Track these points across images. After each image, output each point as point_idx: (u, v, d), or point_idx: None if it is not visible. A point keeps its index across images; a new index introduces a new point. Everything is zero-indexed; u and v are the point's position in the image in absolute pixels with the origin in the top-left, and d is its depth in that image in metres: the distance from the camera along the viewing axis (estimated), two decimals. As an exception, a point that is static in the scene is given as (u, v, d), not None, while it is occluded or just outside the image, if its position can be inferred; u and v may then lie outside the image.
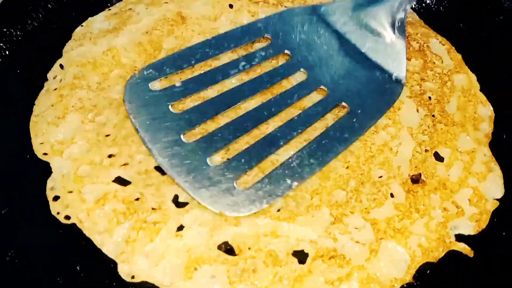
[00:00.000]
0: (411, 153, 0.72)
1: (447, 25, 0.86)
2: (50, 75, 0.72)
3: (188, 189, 0.63)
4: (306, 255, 0.62)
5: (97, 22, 0.78)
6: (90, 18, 0.78)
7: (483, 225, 0.68)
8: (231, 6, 0.84)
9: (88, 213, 0.62)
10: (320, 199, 0.66)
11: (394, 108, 0.75)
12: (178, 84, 0.70)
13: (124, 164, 0.66)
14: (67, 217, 0.62)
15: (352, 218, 0.66)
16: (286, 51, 0.76)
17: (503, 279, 0.64)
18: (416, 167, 0.71)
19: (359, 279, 0.61)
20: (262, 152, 0.67)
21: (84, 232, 0.61)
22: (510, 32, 0.83)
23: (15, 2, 0.71)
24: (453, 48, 0.83)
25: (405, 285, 0.62)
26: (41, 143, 0.67)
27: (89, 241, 0.61)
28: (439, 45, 0.83)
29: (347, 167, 0.70)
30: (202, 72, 0.73)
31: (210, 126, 0.69)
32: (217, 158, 0.66)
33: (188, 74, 0.73)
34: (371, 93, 0.73)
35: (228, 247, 0.62)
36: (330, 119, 0.72)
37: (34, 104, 0.70)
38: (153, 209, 0.63)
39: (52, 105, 0.69)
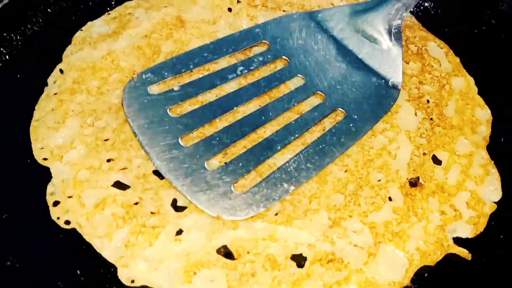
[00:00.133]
0: (409, 157, 0.73)
1: (446, 28, 0.86)
2: (50, 80, 0.72)
3: (186, 192, 0.64)
4: (305, 258, 0.63)
5: (97, 26, 0.79)
6: (89, 23, 0.79)
7: (481, 228, 0.69)
8: (230, 9, 0.85)
9: (88, 218, 0.63)
10: (318, 203, 0.67)
11: (391, 112, 0.76)
12: (176, 88, 0.71)
13: (123, 169, 0.67)
14: (67, 222, 0.63)
15: (350, 221, 0.66)
16: (284, 57, 0.77)
17: (501, 282, 0.65)
18: (414, 170, 0.72)
19: (357, 282, 0.62)
20: (259, 156, 0.68)
21: (84, 236, 0.62)
22: (508, 35, 0.84)
23: (15, 7, 0.71)
24: (451, 51, 0.84)
25: (403, 289, 0.63)
26: (41, 148, 0.68)
27: (89, 246, 0.62)
28: (437, 48, 0.84)
29: (346, 171, 0.71)
30: (200, 76, 0.74)
31: (208, 130, 0.70)
32: (215, 162, 0.67)
33: (186, 78, 0.74)
34: (367, 99, 0.75)
35: (227, 251, 0.63)
36: (327, 123, 0.73)
37: (34, 109, 0.70)
38: (152, 213, 0.64)
39: (52, 110, 0.70)
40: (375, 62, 0.76)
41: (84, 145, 0.68)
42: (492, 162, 0.74)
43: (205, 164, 0.66)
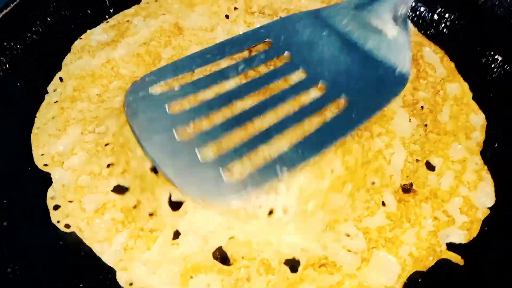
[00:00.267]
0: (403, 163, 0.75)
1: (441, 33, 0.88)
2: (50, 88, 0.75)
3: (179, 184, 0.64)
4: (298, 263, 0.66)
5: (95, 34, 0.81)
6: (88, 31, 0.81)
7: (474, 233, 0.71)
8: (227, 16, 0.87)
9: (88, 222, 0.66)
10: (315, 204, 0.69)
11: (387, 117, 0.78)
12: (177, 88, 0.71)
13: (122, 172, 0.69)
14: (67, 226, 0.66)
15: (344, 225, 0.69)
16: (286, 53, 0.77)
17: (494, 287, 0.67)
18: (407, 176, 0.74)
19: (350, 287, 0.64)
20: (254, 144, 0.67)
21: (84, 241, 0.65)
22: (504, 40, 0.86)
23: (15, 16, 0.74)
24: (447, 56, 0.86)
25: (395, 294, 0.65)
26: (41, 155, 0.70)
27: (88, 249, 0.65)
28: (432, 54, 0.86)
29: (346, 168, 0.72)
30: (201, 76, 0.74)
31: (205, 124, 0.69)
32: (209, 153, 0.67)
33: (188, 79, 0.74)
34: (372, 87, 0.74)
35: (223, 256, 0.65)
36: (328, 112, 0.72)
37: (35, 117, 0.73)
38: (150, 215, 0.67)
39: (53, 118, 0.73)
40: (382, 52, 0.75)
41: (85, 151, 0.71)
42: (486, 167, 0.76)
43: (198, 155, 0.65)
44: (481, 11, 0.88)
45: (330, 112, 0.71)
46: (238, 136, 0.67)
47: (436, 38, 0.88)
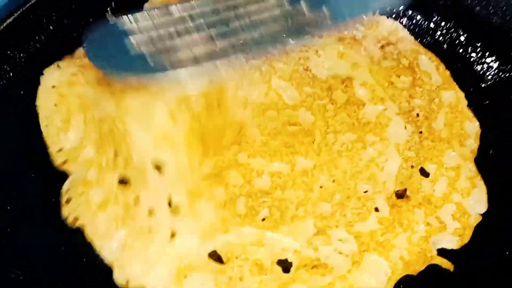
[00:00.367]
0: (397, 169, 0.77)
1: (437, 41, 0.91)
2: (46, 71, 0.78)
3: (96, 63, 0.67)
4: (290, 264, 0.69)
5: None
6: (90, 39, 0.84)
7: (466, 239, 0.73)
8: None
9: (92, 217, 0.69)
10: (305, 210, 0.72)
11: (382, 125, 0.81)
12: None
13: (125, 165, 0.72)
14: (74, 220, 0.69)
15: (336, 231, 0.71)
16: None
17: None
18: (401, 182, 0.76)
19: (341, 289, 0.67)
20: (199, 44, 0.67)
21: (86, 236, 0.69)
22: (499, 48, 0.88)
23: (18, 26, 0.77)
24: (442, 64, 0.88)
25: (385, 296, 0.67)
26: (59, 151, 0.73)
27: (83, 266, 0.68)
28: (428, 62, 0.88)
29: (333, 181, 0.75)
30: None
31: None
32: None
33: None
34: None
35: (217, 256, 0.69)
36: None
37: (36, 106, 0.76)
38: (149, 213, 0.70)
39: (56, 105, 0.75)
40: None
41: (92, 144, 0.73)
42: (479, 174, 0.78)
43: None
44: (477, 19, 0.90)
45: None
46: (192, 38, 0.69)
47: (432, 46, 0.90)
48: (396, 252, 0.70)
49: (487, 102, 0.85)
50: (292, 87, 0.84)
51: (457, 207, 0.75)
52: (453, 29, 0.91)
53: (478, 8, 0.91)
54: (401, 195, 0.75)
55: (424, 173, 0.78)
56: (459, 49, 0.90)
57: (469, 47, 0.90)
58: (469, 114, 0.84)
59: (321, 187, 0.75)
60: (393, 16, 0.93)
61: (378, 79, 0.85)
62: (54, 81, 0.77)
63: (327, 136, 0.79)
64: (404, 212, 0.74)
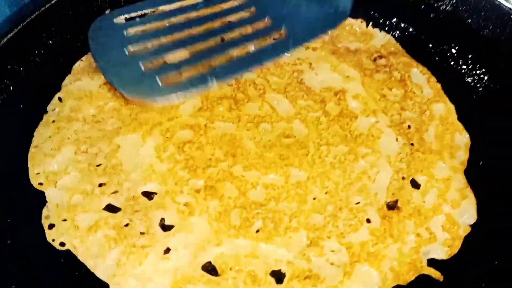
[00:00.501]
0: (389, 181, 0.80)
1: (429, 54, 0.93)
2: (49, 107, 0.81)
3: (122, 89, 0.74)
4: (283, 275, 0.71)
5: (95, 56, 0.87)
6: (89, 53, 0.87)
7: (455, 250, 0.76)
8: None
9: (82, 240, 0.71)
10: (298, 222, 0.75)
11: (374, 137, 0.84)
12: (137, 19, 0.82)
13: (113, 192, 0.75)
14: (62, 244, 0.71)
15: (328, 242, 0.74)
16: None
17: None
18: (393, 194, 0.79)
19: (333, 299, 0.70)
20: (194, 60, 0.78)
21: (78, 257, 0.70)
22: (490, 60, 0.90)
23: (19, 41, 0.80)
24: (433, 77, 0.91)
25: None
26: (37, 173, 0.76)
27: (83, 266, 0.70)
28: (419, 75, 0.91)
29: (326, 193, 0.78)
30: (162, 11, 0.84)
31: (154, 44, 0.80)
32: (150, 65, 0.77)
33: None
34: (312, 21, 0.83)
35: (211, 268, 0.71)
36: (267, 41, 0.82)
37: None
38: (141, 233, 0.72)
39: (50, 137, 0.78)
40: None
41: (78, 171, 0.76)
42: (469, 186, 0.81)
43: (141, 66, 0.76)
44: (468, 32, 0.93)
45: (269, 41, 0.82)
46: (181, 55, 0.79)
47: (424, 59, 0.93)
48: (386, 263, 0.73)
49: (478, 114, 0.87)
50: (286, 100, 0.87)
51: (447, 218, 0.78)
52: (444, 42, 0.94)
53: (469, 20, 0.94)
54: (392, 206, 0.78)
55: (415, 184, 0.81)
56: (451, 61, 0.93)
57: (460, 60, 0.93)
58: (459, 126, 0.87)
59: (314, 198, 0.78)
60: (386, 29, 0.95)
61: (371, 91, 0.88)
62: (54, 117, 0.81)
63: (321, 148, 0.82)
64: (395, 223, 0.76)
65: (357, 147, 0.82)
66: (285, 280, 0.71)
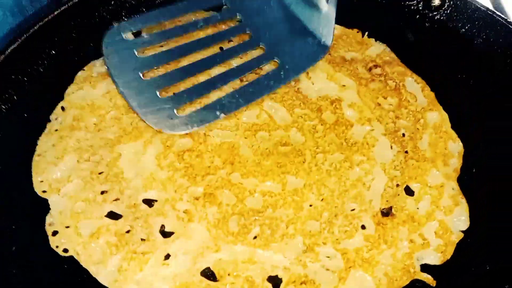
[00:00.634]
0: (383, 188, 0.83)
1: (423, 63, 0.96)
2: (52, 116, 0.83)
3: (140, 113, 0.83)
4: (280, 280, 0.74)
5: (97, 66, 0.89)
6: (91, 62, 0.89)
7: (448, 255, 0.78)
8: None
9: (84, 246, 0.74)
10: (294, 228, 0.77)
11: (369, 145, 0.86)
12: (146, 36, 0.88)
13: (115, 200, 0.77)
14: (65, 250, 0.73)
15: (324, 248, 0.76)
16: (238, 15, 0.94)
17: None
18: (387, 201, 0.81)
19: (328, 304, 0.72)
20: (202, 90, 0.87)
21: (81, 263, 0.73)
22: (483, 70, 0.93)
23: (23, 51, 0.82)
24: (427, 86, 0.93)
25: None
26: (41, 181, 0.78)
27: (85, 272, 0.73)
28: (414, 84, 0.93)
29: (322, 200, 0.80)
30: (165, 28, 0.91)
31: (166, 68, 0.87)
32: (165, 93, 0.85)
33: (154, 29, 0.90)
34: (300, 53, 0.92)
35: (210, 273, 0.73)
36: (263, 70, 0.91)
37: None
38: (142, 240, 0.75)
39: (53, 145, 0.81)
40: (313, 24, 0.94)
41: (80, 179, 0.79)
42: (462, 193, 0.83)
43: (157, 93, 0.84)
44: (462, 41, 0.95)
45: (264, 70, 0.91)
46: (190, 82, 0.88)
47: (418, 68, 0.95)
48: (381, 268, 0.75)
49: (470, 123, 0.89)
50: (283, 109, 0.89)
51: (440, 224, 0.80)
52: (439, 51, 0.96)
53: (463, 30, 0.96)
54: (386, 213, 0.80)
55: (409, 191, 0.83)
56: (444, 70, 0.95)
57: (454, 68, 0.95)
58: (453, 134, 0.89)
59: (310, 205, 0.80)
60: (381, 38, 0.98)
61: (366, 100, 0.91)
62: (57, 126, 0.83)
63: (317, 156, 0.85)
64: (389, 230, 0.79)
65: (352, 155, 0.85)
66: (282, 285, 0.73)
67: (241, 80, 0.90)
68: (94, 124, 0.83)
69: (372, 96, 0.91)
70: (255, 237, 0.76)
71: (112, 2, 0.93)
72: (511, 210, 0.80)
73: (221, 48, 0.93)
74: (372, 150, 0.86)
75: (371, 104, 0.90)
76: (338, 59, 0.95)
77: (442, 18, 0.97)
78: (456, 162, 0.86)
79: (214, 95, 0.88)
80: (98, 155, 0.81)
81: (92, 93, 0.86)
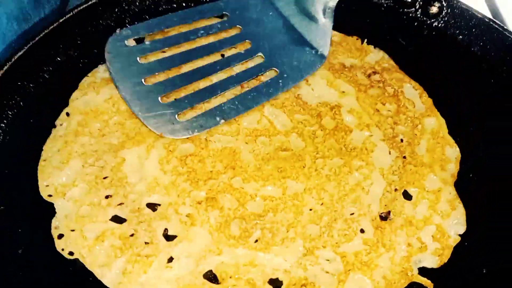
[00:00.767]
0: (382, 192, 0.85)
1: (421, 70, 0.98)
2: (57, 122, 0.85)
3: (141, 117, 0.86)
4: (281, 283, 0.76)
5: (101, 72, 0.91)
6: (95, 69, 0.91)
7: (445, 259, 0.80)
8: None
9: (89, 249, 0.75)
10: (295, 232, 0.79)
11: (368, 150, 0.88)
12: (148, 42, 0.92)
13: (119, 204, 0.79)
14: (71, 253, 0.75)
15: (323, 251, 0.78)
16: (238, 25, 0.98)
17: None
18: (385, 205, 0.83)
19: (328, 306, 0.74)
20: (202, 96, 0.90)
21: (86, 266, 0.75)
22: (480, 76, 0.95)
23: (28, 58, 0.84)
24: (425, 92, 0.95)
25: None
26: (46, 186, 0.80)
27: (90, 274, 0.74)
28: (412, 90, 0.96)
29: (322, 204, 0.82)
30: (167, 35, 0.95)
31: (167, 74, 0.91)
32: (167, 98, 0.88)
33: (156, 37, 0.95)
34: (298, 63, 0.96)
35: (212, 276, 0.75)
36: (263, 78, 0.94)
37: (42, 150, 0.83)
38: (145, 243, 0.77)
39: (58, 151, 0.83)
40: (310, 35, 0.98)
41: (85, 183, 0.81)
42: (459, 197, 0.85)
43: (159, 99, 0.87)
44: (459, 49, 0.97)
45: (264, 78, 0.94)
46: (191, 88, 0.91)
47: (416, 75, 0.97)
48: (379, 271, 0.77)
49: (467, 129, 0.91)
50: (283, 114, 0.91)
51: (437, 228, 0.82)
52: (436, 58, 0.98)
53: (460, 37, 0.99)
54: (385, 217, 0.82)
55: (407, 196, 0.85)
56: (442, 76, 0.97)
57: (451, 75, 0.97)
58: (450, 140, 0.91)
59: (310, 209, 0.82)
60: (380, 45, 1.00)
61: (365, 106, 0.93)
62: (62, 131, 0.86)
63: (317, 161, 0.87)
64: (387, 233, 0.81)
65: (351, 160, 0.87)
66: (283, 287, 0.75)
67: (242, 87, 0.92)
68: (98, 129, 0.85)
69: (371, 102, 0.93)
70: (256, 241, 0.78)
71: (116, 10, 0.95)
72: (507, 214, 0.82)
73: (222, 56, 0.95)
74: (371, 155, 0.88)
75: (370, 110, 0.92)
76: (338, 66, 0.97)
77: (440, 25, 1.00)
78: (453, 167, 0.88)
79: (215, 101, 0.90)
80: (102, 160, 0.83)
81: (95, 99, 0.88)
